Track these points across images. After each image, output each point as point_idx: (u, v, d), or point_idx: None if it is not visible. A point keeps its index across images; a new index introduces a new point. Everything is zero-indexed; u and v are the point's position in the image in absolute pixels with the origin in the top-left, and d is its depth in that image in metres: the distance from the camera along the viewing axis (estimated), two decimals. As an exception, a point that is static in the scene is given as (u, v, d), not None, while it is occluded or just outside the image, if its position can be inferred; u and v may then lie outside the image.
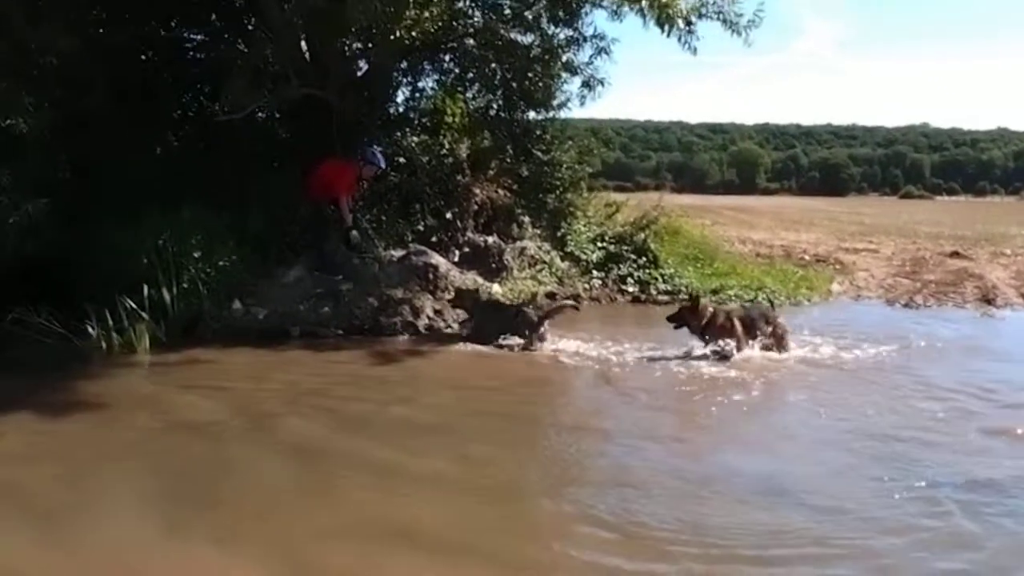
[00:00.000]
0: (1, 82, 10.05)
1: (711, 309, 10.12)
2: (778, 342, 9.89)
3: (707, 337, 9.81)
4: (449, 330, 10.99)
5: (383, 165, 11.92)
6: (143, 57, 13.44)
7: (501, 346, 10.15)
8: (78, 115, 11.52)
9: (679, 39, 11.97)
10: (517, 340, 10.21)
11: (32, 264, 10.88)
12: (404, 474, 6.01)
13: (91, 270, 10.64)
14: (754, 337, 9.84)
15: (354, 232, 11.68)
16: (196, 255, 10.80)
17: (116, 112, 11.88)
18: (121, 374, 9.01)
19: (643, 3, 11.51)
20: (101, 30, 11.56)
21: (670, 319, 10.11)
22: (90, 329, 9.82)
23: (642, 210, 16.23)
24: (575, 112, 15.41)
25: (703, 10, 12.02)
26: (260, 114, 12.07)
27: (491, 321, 10.42)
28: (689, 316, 9.99)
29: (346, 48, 13.44)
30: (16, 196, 11.29)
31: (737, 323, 9.83)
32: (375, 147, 11.88)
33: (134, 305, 9.99)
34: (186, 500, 5.58)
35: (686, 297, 11.35)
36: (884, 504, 5.39)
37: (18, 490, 5.83)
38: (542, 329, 10.21)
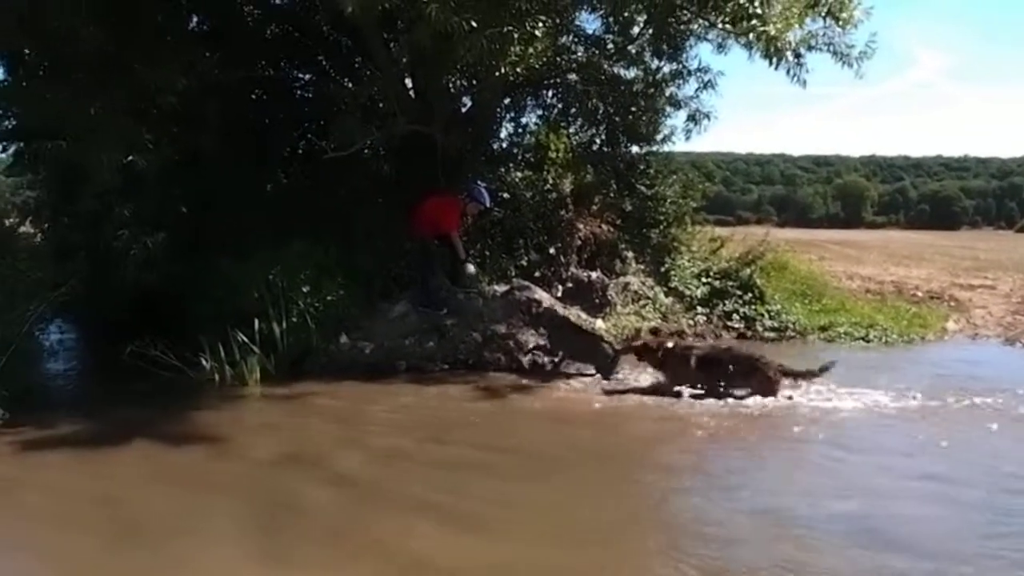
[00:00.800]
0: (123, 121, 10.39)
1: (669, 344, 9.83)
2: (761, 388, 9.26)
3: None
4: (549, 367, 10.90)
5: (488, 204, 11.97)
6: (254, 96, 13.85)
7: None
8: (193, 152, 11.92)
9: (788, 72, 11.76)
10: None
11: (149, 297, 11.27)
12: (501, 511, 6.06)
13: (204, 303, 10.97)
14: (718, 379, 9.42)
15: (469, 265, 11.74)
16: (305, 289, 10.99)
17: (228, 150, 12.27)
18: (233, 406, 9.23)
19: (750, 36, 11.32)
20: (215, 71, 11.89)
21: (629, 351, 10.05)
22: (204, 362, 10.09)
23: (747, 245, 15.96)
24: (677, 146, 15.26)
25: (812, 42, 11.80)
26: (366, 151, 12.25)
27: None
28: (644, 353, 9.81)
29: (451, 85, 13.62)
30: (136, 230, 11.73)
31: (693, 361, 9.48)
32: (482, 184, 11.95)
33: (245, 338, 10.24)
34: (289, 531, 5.69)
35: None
36: (984, 551, 5.20)
37: (131, 513, 6.09)
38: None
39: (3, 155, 15.23)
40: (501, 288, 12.07)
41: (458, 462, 7.31)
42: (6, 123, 13.36)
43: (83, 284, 10.69)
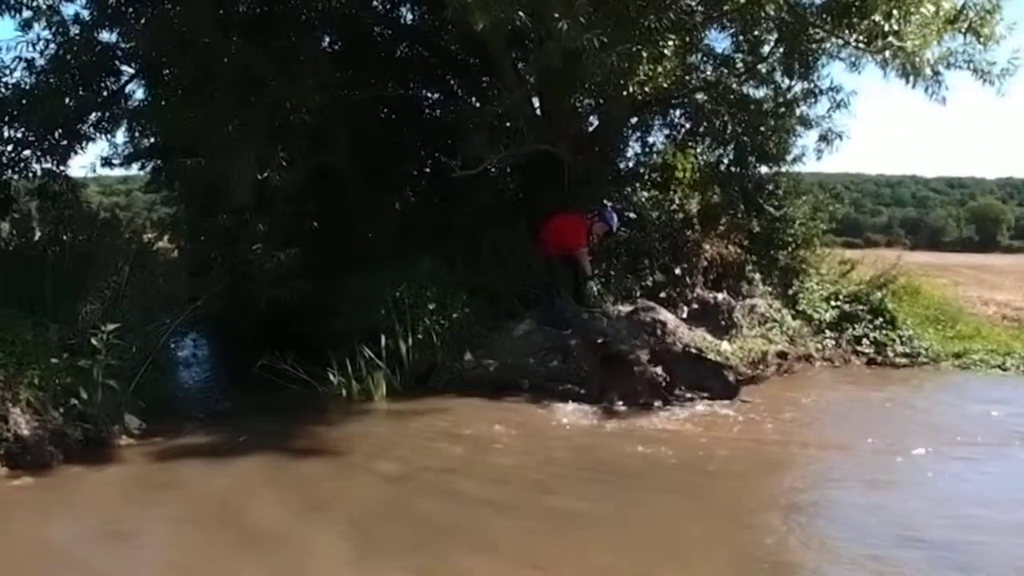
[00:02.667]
0: (259, 138, 10.67)
1: None
2: None
3: None
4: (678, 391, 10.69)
5: (615, 227, 11.87)
6: (383, 115, 14.07)
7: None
8: (324, 170, 12.17)
9: (926, 89, 11.38)
10: None
11: (280, 311, 11.51)
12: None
13: (333, 318, 11.17)
14: None
15: (592, 284, 11.67)
16: (431, 306, 11.08)
17: (358, 167, 12.49)
18: (360, 421, 9.35)
19: (886, 54, 10.98)
20: (347, 90, 12.13)
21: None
22: (332, 376, 10.24)
23: (878, 269, 15.45)
24: (806, 166, 14.92)
25: (952, 59, 11.41)
26: (493, 169, 12.30)
27: None
28: None
29: (578, 104, 13.59)
30: (269, 245, 12.01)
31: None
32: (611, 207, 11.85)
33: (372, 354, 10.35)
34: (414, 546, 5.77)
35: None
36: None
37: (254, 520, 6.33)
38: None
39: (140, 172, 15.86)
40: (626, 308, 11.93)
41: (578, 480, 7.30)
42: (145, 141, 13.94)
43: (217, 298, 10.93)
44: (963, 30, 11.03)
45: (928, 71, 11.07)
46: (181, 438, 8.47)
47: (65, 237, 11.01)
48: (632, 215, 12.95)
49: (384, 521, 6.33)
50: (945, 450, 8.34)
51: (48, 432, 7.76)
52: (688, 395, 10.50)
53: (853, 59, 12.65)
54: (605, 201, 12.04)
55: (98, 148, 13.15)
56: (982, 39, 11.11)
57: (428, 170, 14.13)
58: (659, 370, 10.67)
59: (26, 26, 12.09)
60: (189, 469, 7.57)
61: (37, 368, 8.07)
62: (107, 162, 14.41)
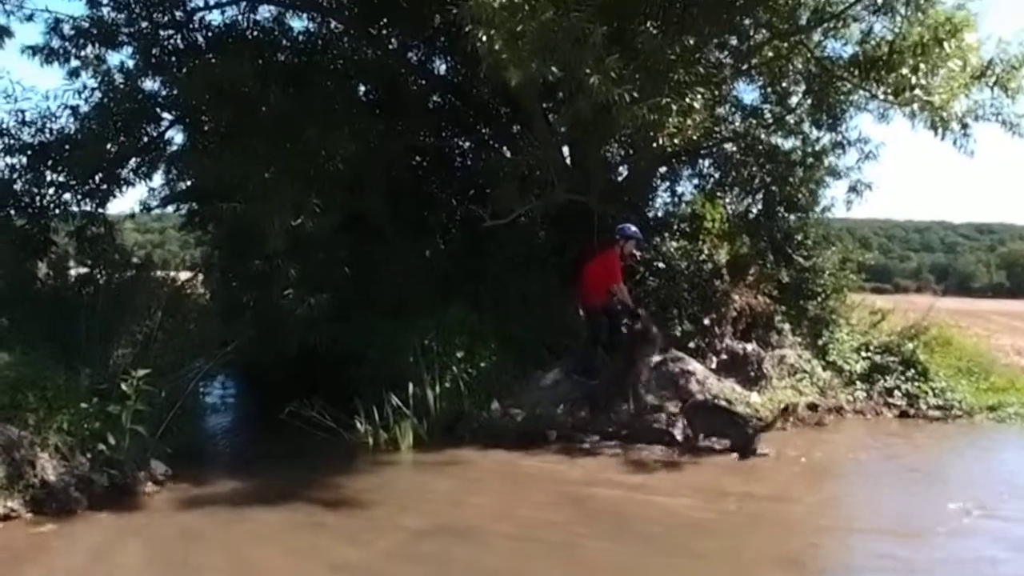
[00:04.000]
0: (295, 185, 10.82)
1: None
2: None
3: None
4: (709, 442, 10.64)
5: (640, 236, 11.81)
6: (415, 163, 14.25)
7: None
8: (357, 218, 12.31)
9: (954, 142, 11.40)
10: None
11: (310, 357, 11.60)
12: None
13: (362, 365, 11.22)
14: None
15: (641, 310, 11.55)
16: (459, 355, 11.13)
17: (390, 215, 12.62)
18: (385, 471, 9.37)
19: (914, 106, 11.05)
20: (380, 138, 12.29)
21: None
22: (358, 424, 10.28)
23: (909, 319, 15.34)
24: (835, 214, 14.96)
25: (979, 112, 11.45)
26: (523, 218, 12.39)
27: None
28: None
29: (608, 155, 13.70)
30: (301, 291, 12.12)
31: None
32: (626, 224, 11.83)
33: (399, 402, 10.40)
34: None
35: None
36: None
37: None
38: None
39: (175, 213, 16.08)
40: (655, 359, 11.93)
41: (607, 536, 7.23)
42: (181, 184, 14.17)
43: (248, 343, 11.01)
44: (990, 84, 11.13)
45: (956, 124, 11.15)
46: (206, 486, 8.50)
47: (100, 278, 11.19)
48: (661, 265, 12.98)
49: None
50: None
51: (74, 478, 7.79)
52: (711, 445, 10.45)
53: (881, 111, 12.71)
54: (616, 221, 11.98)
55: (136, 190, 13.42)
56: (1009, 92, 11.19)
57: (459, 218, 14.22)
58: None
59: (73, 75, 12.44)
60: (212, 519, 7.59)
61: (67, 413, 8.14)
62: (145, 207, 14.66)
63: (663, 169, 14.47)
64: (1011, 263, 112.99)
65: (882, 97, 11.66)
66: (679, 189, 15.20)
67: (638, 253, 11.98)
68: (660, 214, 14.85)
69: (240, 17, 13.26)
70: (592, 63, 8.97)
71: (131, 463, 8.30)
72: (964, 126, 11.31)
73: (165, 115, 13.10)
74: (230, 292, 14.27)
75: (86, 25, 12.52)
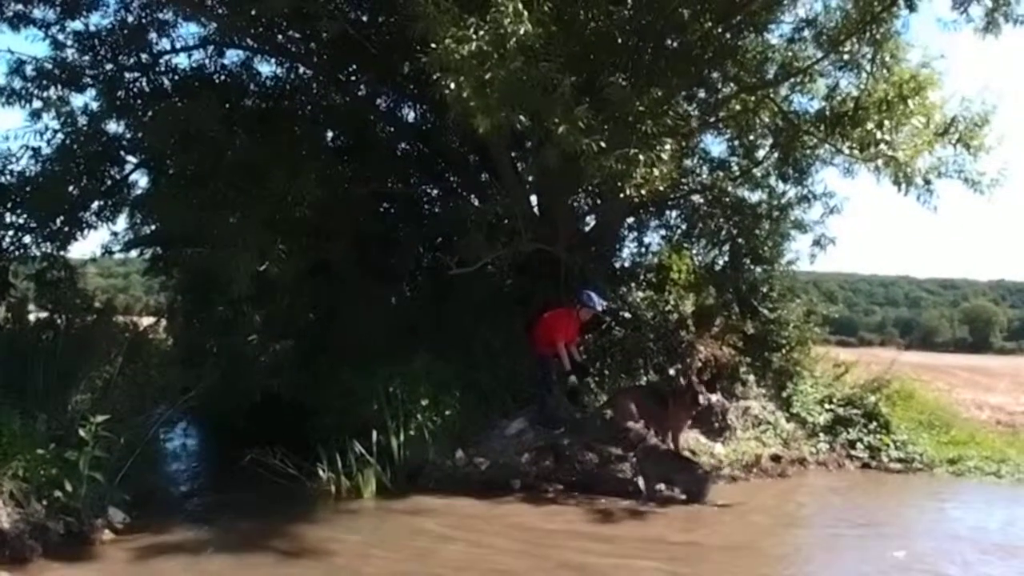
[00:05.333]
0: (260, 230, 10.74)
1: None
2: None
3: None
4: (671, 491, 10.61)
5: (598, 308, 11.75)
6: (382, 209, 14.22)
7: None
8: (322, 264, 12.24)
9: (917, 197, 11.55)
10: None
11: (272, 404, 11.48)
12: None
13: (325, 412, 11.14)
14: None
15: (572, 378, 11.50)
16: (424, 403, 11.05)
17: (356, 261, 12.58)
18: (347, 520, 9.23)
19: (878, 162, 11.20)
20: (347, 184, 12.28)
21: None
22: (321, 472, 10.13)
23: (872, 372, 15.45)
24: (800, 266, 15.07)
25: (942, 169, 11.60)
26: (490, 267, 12.39)
27: None
28: None
29: (575, 204, 13.76)
30: (265, 337, 11.99)
31: None
32: (590, 290, 11.77)
33: (363, 450, 10.27)
34: None
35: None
36: None
37: None
38: None
39: (139, 257, 15.90)
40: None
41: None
42: (145, 229, 14.02)
43: (211, 389, 10.87)
44: (953, 141, 11.29)
45: (919, 180, 11.29)
46: (164, 534, 8.31)
47: (60, 322, 11.01)
48: (627, 315, 13.02)
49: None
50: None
51: (29, 525, 7.61)
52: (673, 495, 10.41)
53: (846, 165, 12.85)
54: (580, 285, 11.98)
55: (99, 234, 13.25)
56: (972, 150, 11.35)
57: (426, 265, 14.22)
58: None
59: (35, 116, 12.28)
60: (170, 567, 7.45)
61: (23, 459, 7.96)
62: (108, 251, 14.48)
63: (630, 219, 14.53)
64: (973, 318, 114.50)
65: (847, 152, 11.79)
66: (646, 239, 15.27)
67: (584, 322, 11.91)
68: (627, 264, 14.93)
69: (207, 61, 13.29)
70: (560, 113, 9.04)
71: (88, 510, 8.15)
72: (927, 182, 11.44)
73: (129, 158, 13.00)
74: (193, 337, 14.11)
75: (49, 67, 12.44)
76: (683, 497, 10.34)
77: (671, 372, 12.80)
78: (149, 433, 9.71)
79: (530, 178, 12.78)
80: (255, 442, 10.36)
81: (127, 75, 12.87)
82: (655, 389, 10.50)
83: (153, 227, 13.79)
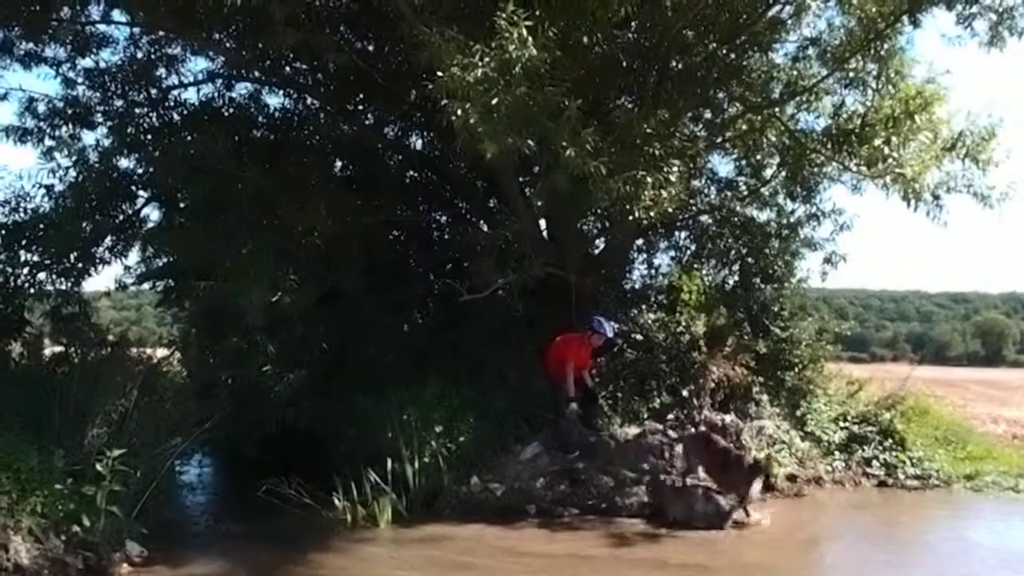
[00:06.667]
0: (272, 262, 10.80)
1: None
2: None
3: None
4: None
5: (609, 334, 11.81)
6: (392, 238, 14.28)
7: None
8: (334, 292, 12.28)
9: (927, 213, 11.56)
10: None
11: (287, 434, 11.48)
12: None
13: (340, 441, 11.14)
14: None
15: (573, 405, 11.50)
16: (438, 429, 11.04)
17: (367, 290, 12.59)
18: (363, 549, 9.20)
19: (887, 178, 11.22)
20: (357, 213, 12.33)
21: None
22: (337, 501, 10.12)
23: (886, 389, 15.38)
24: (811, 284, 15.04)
25: (951, 184, 11.61)
26: (501, 292, 12.42)
27: None
28: None
29: (585, 228, 13.79)
30: (279, 367, 12.01)
31: None
32: (601, 317, 11.83)
33: (377, 478, 10.26)
34: None
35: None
36: None
37: None
38: None
39: (151, 290, 15.96)
40: (633, 431, 11.89)
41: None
42: (158, 262, 14.08)
43: (226, 420, 10.88)
44: (961, 156, 11.28)
45: (928, 196, 11.30)
46: (182, 567, 8.35)
47: (75, 357, 11.06)
48: (639, 337, 13.02)
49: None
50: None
51: (48, 560, 7.66)
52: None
53: (854, 182, 12.88)
54: (592, 312, 11.99)
55: (112, 268, 13.30)
56: (980, 164, 11.34)
57: (437, 292, 14.24)
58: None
59: (47, 154, 12.45)
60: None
61: (41, 495, 8.00)
62: (122, 285, 14.55)
63: (640, 241, 14.57)
64: (985, 332, 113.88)
65: (855, 169, 11.82)
66: (656, 261, 15.29)
67: (595, 348, 11.91)
68: (637, 286, 14.94)
69: (215, 94, 13.44)
70: (568, 136, 9.06)
71: (106, 544, 8.18)
72: (936, 197, 11.49)
73: (141, 193, 13.12)
74: (207, 369, 14.15)
75: (60, 104, 12.63)
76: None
77: (684, 393, 12.78)
78: (165, 466, 9.73)
79: (539, 203, 12.85)
80: (271, 472, 10.37)
81: (137, 111, 13.05)
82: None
83: (165, 260, 13.85)
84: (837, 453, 13.57)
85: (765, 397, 13.75)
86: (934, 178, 11.36)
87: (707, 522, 10.06)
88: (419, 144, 14.88)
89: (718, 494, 10.37)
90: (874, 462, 13.51)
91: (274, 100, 13.86)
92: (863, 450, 13.70)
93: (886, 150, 11.02)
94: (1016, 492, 12.69)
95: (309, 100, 13.85)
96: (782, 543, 9.63)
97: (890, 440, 13.87)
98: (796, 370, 14.30)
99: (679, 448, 11.25)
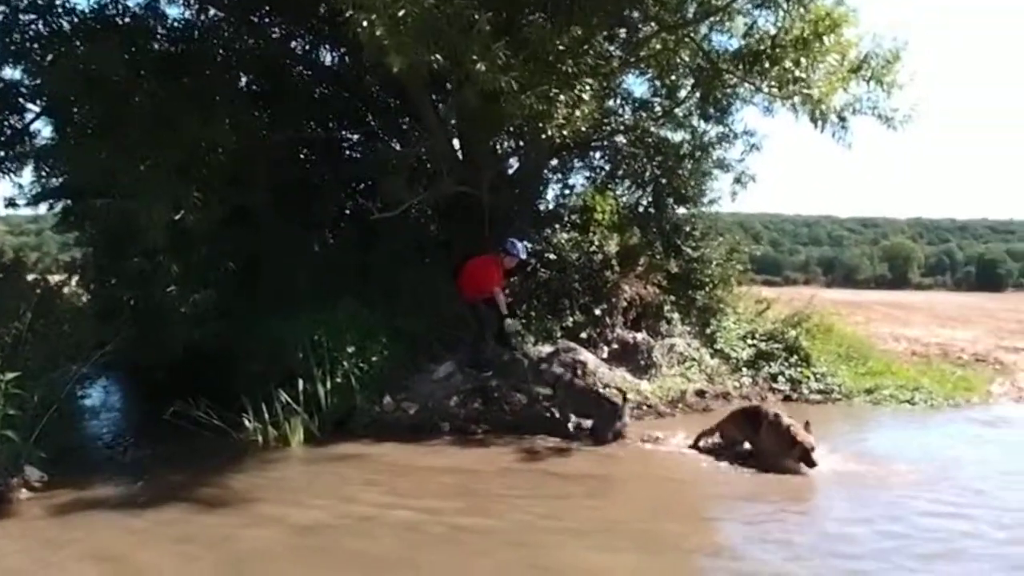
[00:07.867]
0: (172, 178, 10.43)
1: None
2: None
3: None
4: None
5: (522, 255, 11.87)
6: (302, 156, 13.94)
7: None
8: (241, 211, 11.95)
9: (833, 134, 11.70)
10: None
11: (194, 356, 11.23)
12: None
13: (249, 362, 10.95)
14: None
15: (509, 320, 11.63)
16: (350, 350, 10.92)
17: (276, 209, 12.32)
18: (274, 469, 9.09)
19: (796, 99, 11.28)
20: (264, 130, 11.97)
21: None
22: (247, 423, 9.98)
23: (793, 307, 15.75)
24: (724, 207, 15.19)
25: (857, 106, 11.73)
26: (413, 211, 12.24)
27: None
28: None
29: (498, 147, 13.64)
30: (184, 288, 11.70)
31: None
32: (513, 239, 11.83)
33: (289, 399, 10.13)
34: None
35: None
36: None
37: None
38: None
39: (50, 212, 15.37)
40: (546, 349, 11.94)
41: (498, 529, 7.17)
42: (54, 180, 13.51)
43: (129, 343, 10.57)
44: (867, 78, 11.40)
45: (834, 117, 11.44)
46: (85, 490, 8.10)
47: (-37, 281, 10.63)
48: (552, 256, 13.00)
49: (293, 574, 6.16)
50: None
51: (-59, 486, 7.41)
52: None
53: (766, 104, 12.93)
54: (508, 238, 11.93)
55: (4, 187, 12.71)
56: (885, 87, 11.48)
57: (348, 211, 14.02)
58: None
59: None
60: (92, 523, 7.26)
61: (-69, 419, 7.71)
62: (11, 203, 13.98)
63: (554, 162, 14.50)
64: (892, 256, 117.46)
65: (766, 90, 11.83)
66: (570, 181, 15.31)
67: (507, 270, 11.95)
68: (551, 206, 14.93)
69: (109, 2, 12.63)
70: (478, 51, 8.89)
71: (3, 469, 7.93)
72: (842, 119, 11.66)
73: (30, 106, 12.55)
74: (108, 291, 13.74)
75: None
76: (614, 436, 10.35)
77: (597, 312, 12.85)
78: (64, 390, 9.42)
79: (451, 120, 12.62)
80: (179, 395, 10.15)
81: (22, 17, 12.21)
82: (750, 414, 10.38)
83: (61, 179, 13.29)
84: (745, 369, 13.91)
85: (676, 315, 13.95)
86: (840, 100, 11.47)
87: (593, 427, 10.39)
88: (329, 59, 14.39)
89: (604, 400, 10.56)
90: (780, 378, 13.90)
91: (173, 10, 13.14)
92: (770, 366, 14.08)
93: (796, 71, 11.05)
94: (912, 404, 13.25)
95: (211, 11, 13.17)
96: (688, 455, 9.76)
97: (795, 356, 14.30)
98: (707, 289, 14.52)
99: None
